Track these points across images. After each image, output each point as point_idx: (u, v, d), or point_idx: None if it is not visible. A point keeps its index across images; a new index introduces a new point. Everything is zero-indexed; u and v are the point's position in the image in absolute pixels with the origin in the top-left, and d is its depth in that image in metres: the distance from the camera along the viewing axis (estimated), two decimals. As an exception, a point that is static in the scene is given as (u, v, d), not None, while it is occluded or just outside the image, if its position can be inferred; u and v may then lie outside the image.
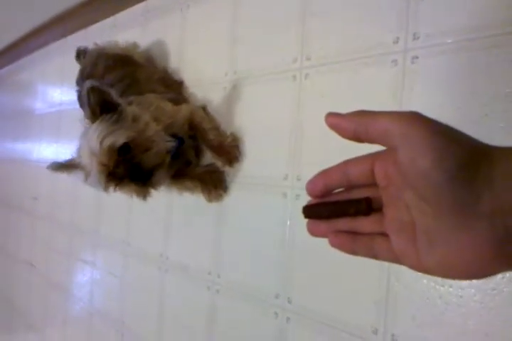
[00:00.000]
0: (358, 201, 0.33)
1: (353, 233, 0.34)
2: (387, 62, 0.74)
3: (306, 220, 0.36)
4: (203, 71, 1.11)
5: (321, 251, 0.79)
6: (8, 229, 2.30)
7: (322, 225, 0.35)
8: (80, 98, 1.07)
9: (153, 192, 0.83)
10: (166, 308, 1.16)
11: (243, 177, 0.97)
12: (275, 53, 0.93)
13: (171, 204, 1.17)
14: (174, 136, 0.87)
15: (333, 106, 0.81)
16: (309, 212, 0.36)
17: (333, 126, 0.32)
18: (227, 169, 1.01)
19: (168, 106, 0.92)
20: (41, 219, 1.93)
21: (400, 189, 0.30)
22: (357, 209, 0.33)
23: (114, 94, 0.80)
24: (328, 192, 0.35)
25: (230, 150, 0.98)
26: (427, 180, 0.27)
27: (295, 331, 0.83)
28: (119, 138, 0.75)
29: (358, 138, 0.31)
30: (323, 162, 0.79)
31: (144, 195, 0.82)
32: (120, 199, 1.36)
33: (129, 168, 0.76)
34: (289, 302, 0.84)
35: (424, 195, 0.28)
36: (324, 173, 0.35)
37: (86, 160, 0.77)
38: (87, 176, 0.79)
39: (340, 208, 0.34)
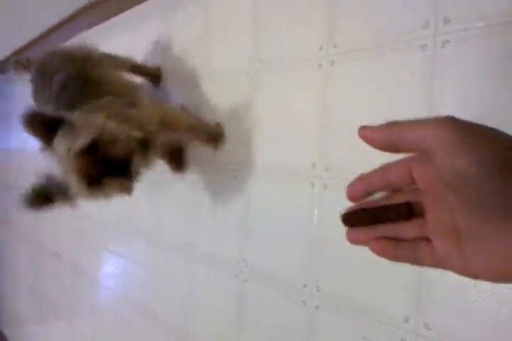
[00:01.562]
0: (398, 206, 0.33)
1: (395, 239, 0.34)
2: (415, 47, 0.73)
3: (346, 229, 0.36)
4: (227, 60, 1.11)
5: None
6: (32, 221, 2.34)
7: (362, 232, 0.35)
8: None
9: (135, 184, 0.80)
10: (194, 297, 1.18)
11: (270, 165, 0.97)
12: (300, 41, 0.92)
13: (196, 193, 1.18)
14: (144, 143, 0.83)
15: (360, 94, 0.80)
16: (349, 219, 0.36)
17: (366, 139, 0.32)
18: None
19: (132, 111, 0.87)
20: (65, 209, 1.96)
21: (440, 191, 0.30)
22: (398, 214, 0.33)
23: (49, 110, 0.79)
24: (367, 196, 0.35)
25: (213, 132, 1.06)
26: (467, 181, 0.26)
27: (324, 319, 0.83)
28: (83, 140, 0.74)
29: (392, 149, 0.31)
30: (353, 150, 0.79)
31: (128, 189, 0.79)
32: (145, 189, 1.38)
33: (104, 164, 0.74)
34: (318, 290, 0.84)
35: (466, 197, 0.27)
36: (364, 177, 0.34)
37: (62, 175, 0.76)
38: (70, 191, 0.78)
39: (380, 214, 0.34)
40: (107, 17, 1.72)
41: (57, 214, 1.81)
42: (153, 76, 1.31)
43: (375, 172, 0.34)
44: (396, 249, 0.33)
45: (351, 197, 0.35)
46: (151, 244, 1.36)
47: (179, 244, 1.23)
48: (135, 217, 1.45)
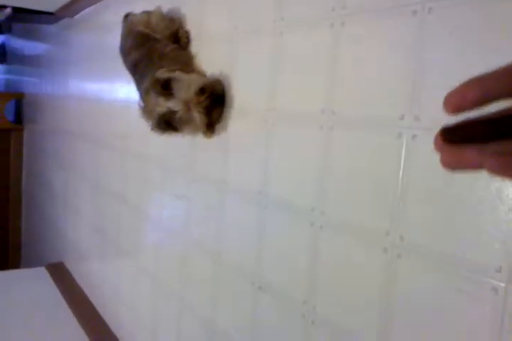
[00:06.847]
0: None
1: None
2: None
3: (440, 149, 0.27)
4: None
5: (439, 189, 0.80)
6: (99, 166, 2.44)
7: (469, 152, 0.26)
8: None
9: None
10: (266, 243, 1.22)
11: (350, 116, 0.97)
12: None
13: (269, 140, 1.20)
14: None
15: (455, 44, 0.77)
16: (453, 134, 0.26)
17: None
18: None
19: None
20: (133, 158, 2.03)
21: None
22: None
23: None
24: (483, 105, 0.25)
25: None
26: None
27: (407, 267, 0.86)
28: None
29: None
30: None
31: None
32: (215, 138, 1.40)
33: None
34: (401, 239, 0.86)
35: None
36: (482, 80, 0.25)
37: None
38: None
39: (505, 125, 0.24)
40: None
41: (123, 163, 1.87)
42: (184, 40, 1.60)
43: (496, 72, 0.25)
44: None
45: (458, 106, 0.25)
46: (220, 193, 1.40)
47: (251, 193, 1.26)
48: (205, 165, 1.49)
